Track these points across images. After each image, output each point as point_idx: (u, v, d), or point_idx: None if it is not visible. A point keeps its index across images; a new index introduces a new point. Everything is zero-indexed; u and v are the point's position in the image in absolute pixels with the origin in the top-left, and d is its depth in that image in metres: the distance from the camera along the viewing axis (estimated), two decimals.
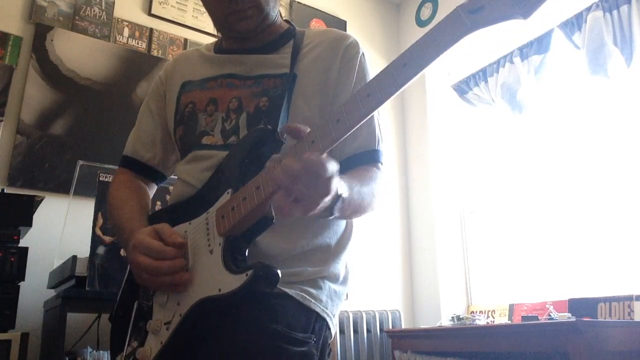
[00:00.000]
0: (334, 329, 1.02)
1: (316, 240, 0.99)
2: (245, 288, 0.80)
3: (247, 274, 0.80)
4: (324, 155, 0.74)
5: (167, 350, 0.88)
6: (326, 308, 0.97)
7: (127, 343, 0.97)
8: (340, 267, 1.03)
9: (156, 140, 1.17)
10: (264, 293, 0.87)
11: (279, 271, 0.82)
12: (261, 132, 0.92)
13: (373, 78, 0.74)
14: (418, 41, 0.71)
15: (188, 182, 1.04)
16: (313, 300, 0.95)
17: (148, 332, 0.92)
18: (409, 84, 0.71)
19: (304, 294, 0.94)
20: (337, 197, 0.80)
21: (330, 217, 0.84)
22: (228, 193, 0.90)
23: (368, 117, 0.74)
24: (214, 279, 0.85)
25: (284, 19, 1.19)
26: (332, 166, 0.73)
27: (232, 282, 0.82)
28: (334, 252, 1.02)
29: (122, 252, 1.88)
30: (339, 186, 0.79)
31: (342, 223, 1.07)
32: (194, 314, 0.87)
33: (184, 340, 0.89)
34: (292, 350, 0.87)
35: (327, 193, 0.74)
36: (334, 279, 1.01)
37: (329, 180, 0.73)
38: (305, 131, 0.79)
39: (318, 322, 0.95)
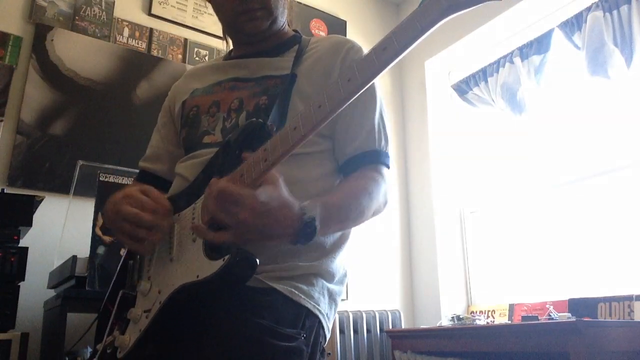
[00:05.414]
0: (329, 331, 1.00)
1: None
2: (221, 272, 0.80)
3: (224, 259, 0.81)
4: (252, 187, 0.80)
5: (145, 338, 0.88)
6: (318, 305, 0.96)
7: (107, 332, 0.97)
8: (335, 266, 1.02)
9: (162, 152, 1.23)
10: (249, 289, 0.87)
11: (257, 259, 0.82)
12: (251, 125, 0.94)
13: (354, 63, 0.77)
14: (398, 25, 0.73)
15: (183, 176, 1.06)
16: (303, 296, 0.93)
17: (130, 320, 0.93)
18: (388, 67, 0.73)
19: (293, 289, 0.93)
20: (304, 223, 0.82)
21: (303, 243, 0.84)
22: None
23: (350, 101, 0.76)
24: (194, 266, 0.86)
25: (292, 28, 1.23)
26: (261, 195, 0.78)
27: (209, 267, 0.82)
28: (328, 250, 1.01)
29: (122, 252, 1.88)
30: (307, 209, 0.82)
31: None
32: (173, 301, 0.87)
33: (163, 328, 0.89)
34: (277, 344, 0.85)
35: (257, 220, 0.79)
36: (329, 277, 1.00)
37: (251, 209, 0.78)
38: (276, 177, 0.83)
39: (309, 319, 0.94)
